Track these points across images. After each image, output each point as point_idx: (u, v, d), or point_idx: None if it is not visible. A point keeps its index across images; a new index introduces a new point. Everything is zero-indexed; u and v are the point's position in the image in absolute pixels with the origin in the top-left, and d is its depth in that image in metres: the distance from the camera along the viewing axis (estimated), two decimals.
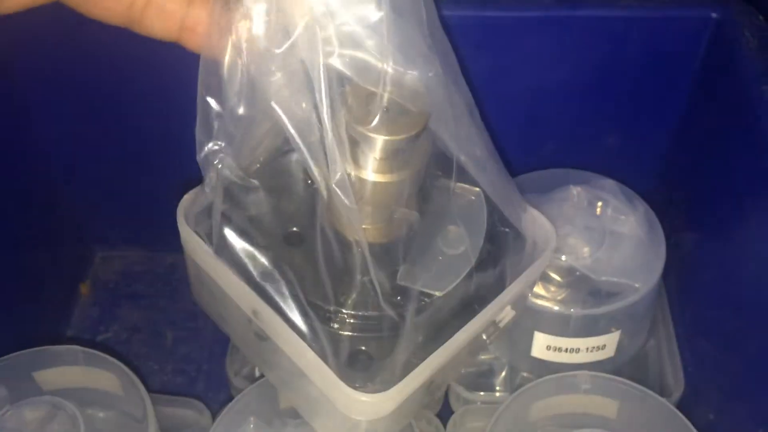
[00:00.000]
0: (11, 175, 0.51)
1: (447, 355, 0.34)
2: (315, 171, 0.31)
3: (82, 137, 0.55)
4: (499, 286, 0.37)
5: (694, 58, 0.47)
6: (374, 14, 0.29)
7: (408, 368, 0.33)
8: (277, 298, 0.34)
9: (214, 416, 0.46)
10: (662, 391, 0.46)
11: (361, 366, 0.34)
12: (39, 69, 0.49)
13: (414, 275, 0.35)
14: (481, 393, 0.47)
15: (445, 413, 0.48)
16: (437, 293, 0.34)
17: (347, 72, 0.30)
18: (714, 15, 0.46)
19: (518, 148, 0.52)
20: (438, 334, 0.35)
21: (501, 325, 0.39)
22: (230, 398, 0.49)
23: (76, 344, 0.42)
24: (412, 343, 0.34)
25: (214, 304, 0.39)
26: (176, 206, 0.37)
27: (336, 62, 0.30)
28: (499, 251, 0.37)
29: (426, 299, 0.34)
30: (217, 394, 0.54)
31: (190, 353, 0.56)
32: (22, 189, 0.53)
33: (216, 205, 0.34)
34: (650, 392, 0.41)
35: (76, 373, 0.42)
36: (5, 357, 0.41)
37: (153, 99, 0.50)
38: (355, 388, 0.32)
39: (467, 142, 0.35)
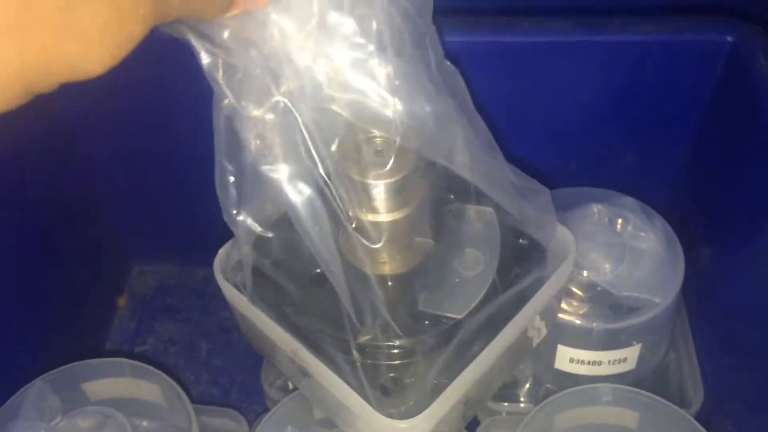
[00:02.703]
0: (54, 194, 0.53)
1: (477, 373, 0.36)
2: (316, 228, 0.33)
3: (121, 158, 0.57)
4: (523, 299, 0.38)
5: (710, 80, 0.48)
6: (375, 60, 0.30)
7: (439, 389, 0.35)
8: (311, 337, 0.36)
9: (249, 425, 0.48)
10: (682, 403, 0.48)
11: (394, 392, 0.35)
12: (82, 93, 0.52)
13: (435, 301, 0.36)
14: (506, 404, 0.49)
15: (471, 424, 0.50)
16: (457, 316, 0.36)
17: (344, 114, 0.31)
18: (729, 39, 0.47)
19: (540, 167, 0.53)
20: (466, 353, 0.36)
21: (534, 339, 0.41)
22: (264, 409, 0.51)
23: (115, 356, 0.45)
24: (441, 366, 0.35)
25: (262, 343, 0.41)
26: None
27: (331, 106, 0.31)
28: (520, 266, 0.39)
29: (449, 322, 0.36)
30: (250, 405, 0.56)
31: (224, 365, 0.58)
32: (64, 208, 0.55)
33: (246, 259, 0.37)
34: (670, 404, 0.42)
35: (123, 384, 0.44)
36: (56, 369, 0.43)
37: (189, 122, 0.52)
38: (390, 415, 0.34)
39: (480, 166, 0.36)
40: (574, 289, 0.46)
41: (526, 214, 0.39)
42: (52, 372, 0.43)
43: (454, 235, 0.38)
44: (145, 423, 0.44)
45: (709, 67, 0.48)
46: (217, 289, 0.63)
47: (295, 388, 0.48)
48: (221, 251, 0.40)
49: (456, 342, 0.36)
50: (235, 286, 0.39)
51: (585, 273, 0.46)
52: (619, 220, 0.48)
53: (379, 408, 0.34)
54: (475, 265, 0.38)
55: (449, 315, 0.36)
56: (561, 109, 0.51)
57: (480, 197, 0.38)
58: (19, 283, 0.50)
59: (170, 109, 0.52)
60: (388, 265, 0.37)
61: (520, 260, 0.39)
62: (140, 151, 0.56)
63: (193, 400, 0.50)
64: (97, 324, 0.61)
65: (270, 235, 0.37)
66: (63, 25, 0.19)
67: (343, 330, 0.35)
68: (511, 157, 0.54)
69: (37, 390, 0.41)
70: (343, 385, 0.35)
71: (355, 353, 0.35)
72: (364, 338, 0.35)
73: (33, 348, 0.50)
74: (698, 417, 0.47)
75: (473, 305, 0.36)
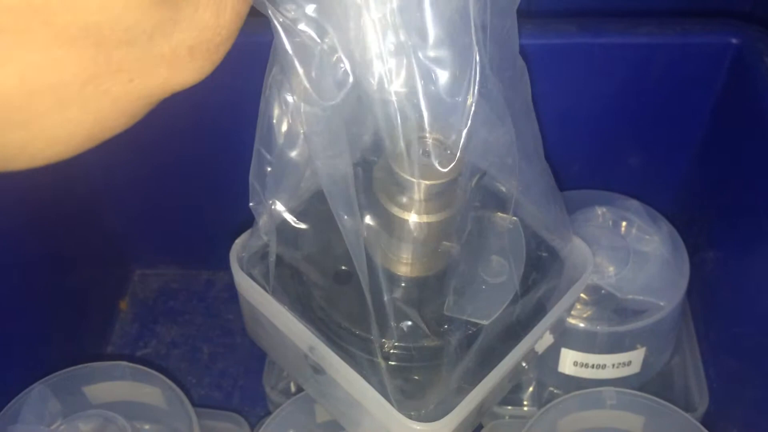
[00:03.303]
0: (55, 196, 0.53)
1: (496, 380, 0.36)
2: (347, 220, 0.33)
3: (123, 160, 0.57)
4: (541, 309, 0.38)
5: (715, 82, 0.48)
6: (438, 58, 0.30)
7: (459, 394, 0.35)
8: (332, 334, 0.36)
9: (251, 429, 0.48)
10: (687, 407, 0.47)
11: (415, 394, 0.35)
12: None
13: (460, 306, 0.36)
14: (510, 407, 0.49)
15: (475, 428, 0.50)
16: (483, 322, 0.36)
17: (399, 109, 0.30)
18: (734, 41, 0.47)
19: None
20: (485, 359, 0.36)
21: (539, 350, 0.41)
22: (266, 412, 0.51)
23: (117, 359, 0.44)
24: (461, 370, 0.35)
25: (269, 340, 0.41)
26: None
27: (392, 99, 0.30)
28: (540, 276, 0.39)
29: (473, 328, 0.36)
30: (252, 408, 0.55)
31: (227, 368, 0.58)
32: (65, 210, 0.55)
33: (272, 248, 0.36)
34: (675, 408, 0.42)
35: (124, 387, 0.44)
36: (57, 373, 0.43)
37: (191, 125, 0.52)
38: (410, 417, 0.34)
39: (525, 172, 0.36)
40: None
41: (549, 222, 0.39)
42: (52, 375, 0.43)
43: (481, 241, 0.38)
44: (146, 426, 0.44)
45: (714, 70, 0.48)
46: (220, 292, 0.64)
47: (298, 391, 0.47)
48: (238, 241, 0.39)
49: (478, 348, 0.36)
50: (250, 275, 0.38)
51: None
52: (624, 223, 0.48)
53: (400, 409, 0.34)
54: (500, 273, 0.37)
55: (475, 320, 0.36)
56: (566, 112, 0.50)
57: (504, 203, 0.37)
58: (20, 287, 0.49)
59: (173, 111, 0.52)
60: (416, 267, 0.37)
61: (541, 270, 0.39)
62: (142, 153, 0.56)
63: (195, 404, 0.50)
64: (99, 327, 0.61)
65: (297, 227, 0.37)
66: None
67: (366, 329, 0.35)
68: None
69: (38, 394, 0.41)
70: (364, 383, 0.35)
71: (378, 353, 0.35)
72: (388, 339, 0.35)
73: (34, 351, 0.50)
74: (703, 421, 0.47)
75: (498, 312, 0.36)
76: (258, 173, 0.34)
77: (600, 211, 0.48)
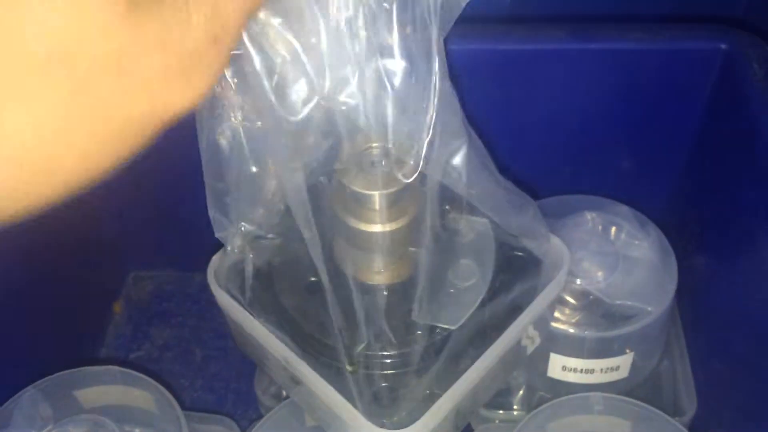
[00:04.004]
0: None
1: (469, 384, 0.36)
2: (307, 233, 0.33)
3: None
4: (516, 310, 0.39)
5: (704, 88, 0.48)
6: (382, 68, 0.30)
7: (431, 399, 0.35)
8: (304, 344, 0.36)
9: None
10: (676, 411, 0.48)
11: (386, 402, 0.35)
12: None
13: (428, 311, 0.36)
14: (500, 411, 0.49)
15: (464, 430, 0.50)
16: (451, 327, 0.36)
17: (346, 121, 0.31)
18: (723, 47, 0.47)
19: (536, 174, 0.53)
20: (459, 363, 0.36)
21: (527, 348, 0.41)
22: (258, 415, 0.51)
23: (110, 362, 0.45)
24: (432, 375, 0.36)
25: (253, 352, 0.41)
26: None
27: (338, 110, 0.31)
28: (514, 276, 0.39)
29: (442, 333, 0.36)
30: (245, 412, 0.56)
31: (219, 371, 0.58)
32: (59, 213, 0.55)
33: (247, 265, 0.37)
34: (660, 413, 0.42)
35: (115, 391, 0.44)
36: (48, 377, 0.43)
37: (186, 127, 0.52)
38: (382, 425, 0.34)
39: (474, 177, 0.36)
40: (567, 298, 0.46)
41: (518, 227, 0.39)
42: (44, 379, 0.43)
43: (449, 245, 0.38)
44: (137, 430, 0.44)
45: (704, 75, 0.48)
46: (213, 295, 0.64)
47: (288, 395, 0.48)
48: (215, 258, 0.40)
49: (449, 352, 0.36)
50: (228, 292, 0.39)
51: (578, 281, 0.46)
52: (613, 228, 0.48)
53: (370, 417, 0.34)
54: (469, 276, 0.38)
55: (443, 325, 0.36)
56: (556, 117, 0.51)
57: (474, 208, 0.38)
58: (13, 289, 0.50)
59: None
60: (383, 275, 0.37)
61: (515, 271, 0.39)
62: (136, 156, 0.56)
63: (188, 407, 0.50)
64: (93, 330, 0.61)
65: (269, 242, 0.37)
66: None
67: (335, 338, 0.35)
68: (506, 165, 0.54)
69: (29, 398, 0.41)
70: (334, 393, 0.35)
71: (347, 362, 0.35)
72: (357, 347, 0.36)
73: (27, 354, 0.50)
74: (692, 425, 0.47)
75: (467, 316, 0.36)
76: (216, 205, 0.35)
77: (589, 216, 0.48)
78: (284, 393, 0.50)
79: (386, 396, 0.36)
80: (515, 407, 0.50)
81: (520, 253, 0.40)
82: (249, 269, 0.37)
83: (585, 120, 0.51)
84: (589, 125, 0.51)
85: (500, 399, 0.50)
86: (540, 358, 0.46)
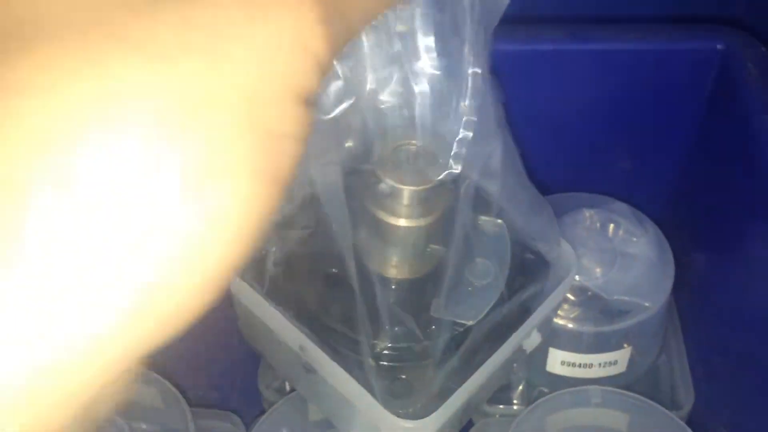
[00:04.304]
0: None
1: (482, 380, 0.37)
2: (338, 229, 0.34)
3: None
4: (526, 311, 0.39)
5: (701, 88, 0.49)
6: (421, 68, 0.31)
7: (445, 393, 0.36)
8: (323, 334, 0.37)
9: (247, 428, 0.49)
10: (674, 405, 0.48)
11: (402, 394, 0.36)
12: None
13: (446, 307, 0.37)
14: (501, 406, 0.50)
15: (465, 425, 0.51)
16: (469, 323, 0.37)
17: (385, 118, 0.32)
18: (719, 47, 0.48)
19: (535, 174, 0.54)
20: (471, 359, 0.37)
21: (527, 349, 0.42)
22: (262, 411, 0.51)
23: None
24: (447, 369, 0.36)
25: (263, 342, 0.42)
26: None
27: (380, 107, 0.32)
28: (525, 278, 0.39)
29: (459, 328, 0.37)
30: (250, 407, 0.56)
31: (224, 368, 0.59)
32: None
33: (269, 251, 0.37)
34: (658, 406, 0.43)
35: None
36: None
37: None
38: (398, 415, 0.35)
39: (505, 178, 0.37)
40: (566, 294, 0.47)
41: (535, 230, 0.40)
42: None
43: (466, 244, 0.39)
44: (143, 426, 0.45)
45: (700, 75, 0.49)
46: None
47: (292, 390, 0.48)
48: None
49: (464, 348, 0.37)
50: (243, 279, 0.39)
51: (577, 277, 0.47)
52: (611, 225, 0.49)
53: (387, 407, 0.35)
54: (485, 275, 0.38)
55: (461, 321, 0.37)
56: (555, 118, 0.51)
57: (501, 209, 0.38)
58: None
59: None
60: (404, 270, 0.38)
61: (526, 272, 0.40)
62: None
63: (192, 404, 0.51)
64: None
65: (291, 231, 0.38)
66: None
67: (356, 330, 0.36)
68: None
69: None
70: (353, 382, 0.36)
71: (367, 354, 0.36)
72: (379, 340, 0.36)
73: None
74: (689, 418, 0.48)
75: (485, 313, 0.37)
76: None
77: (588, 213, 0.49)
78: (288, 387, 0.51)
79: (403, 388, 0.36)
80: (515, 402, 0.50)
81: (531, 256, 0.40)
82: (271, 259, 0.38)
83: (584, 120, 0.51)
84: (588, 125, 0.52)
85: (500, 394, 0.50)
86: (539, 354, 0.47)
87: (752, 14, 0.55)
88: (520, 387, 0.50)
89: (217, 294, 0.16)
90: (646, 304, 0.46)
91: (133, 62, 0.15)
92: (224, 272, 0.16)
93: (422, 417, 0.35)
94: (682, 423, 0.42)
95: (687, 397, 0.48)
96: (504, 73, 0.49)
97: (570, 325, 0.45)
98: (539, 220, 0.40)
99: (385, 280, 0.37)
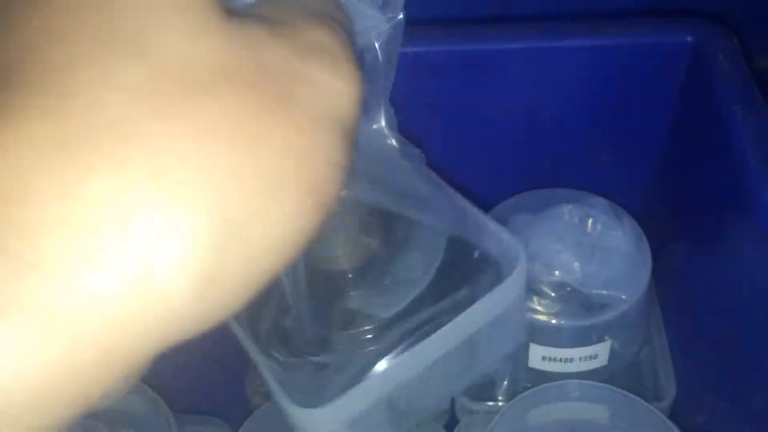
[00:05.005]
0: None
1: (396, 376, 0.35)
2: None
3: None
4: (457, 308, 0.37)
5: (674, 81, 0.49)
6: None
7: (361, 386, 0.34)
8: (257, 332, 0.37)
9: None
10: (656, 396, 0.49)
11: (310, 387, 0.35)
12: None
13: (366, 299, 0.36)
14: (489, 403, 0.50)
15: (450, 423, 0.51)
16: (385, 315, 0.36)
17: None
18: (690, 39, 0.48)
19: (513, 170, 0.55)
20: (388, 353, 0.36)
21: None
22: (249, 415, 0.52)
23: None
24: (364, 364, 0.35)
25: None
26: None
27: None
28: (462, 274, 0.38)
29: (376, 322, 0.36)
30: (236, 412, 0.56)
31: (210, 373, 0.59)
32: None
33: None
34: (638, 398, 0.43)
35: None
36: None
37: None
38: (301, 404, 0.34)
39: (409, 186, 0.37)
40: (545, 289, 0.47)
41: (470, 228, 0.39)
42: None
43: (399, 240, 0.38)
44: None
45: (672, 69, 0.49)
46: None
47: None
48: None
49: (381, 343, 0.36)
50: None
51: (556, 273, 0.47)
52: (589, 220, 0.49)
53: (295, 399, 0.34)
54: (412, 269, 0.38)
55: (377, 315, 0.36)
56: (531, 115, 0.52)
57: (423, 208, 0.38)
58: None
59: None
60: (329, 261, 0.37)
61: (469, 271, 0.38)
62: None
63: (178, 408, 0.51)
64: None
65: None
66: None
67: (279, 322, 0.36)
68: (483, 162, 0.55)
69: None
70: (266, 372, 0.36)
71: (283, 342, 0.36)
72: (296, 330, 0.36)
73: None
74: (672, 408, 0.48)
75: (402, 307, 0.36)
76: None
77: (566, 208, 0.49)
78: None
79: (313, 380, 0.36)
80: (500, 399, 0.51)
81: (475, 254, 0.38)
82: None
83: (559, 116, 0.52)
84: (564, 121, 0.52)
85: (485, 391, 0.51)
86: (521, 349, 0.47)
87: (723, 5, 0.55)
88: (505, 383, 0.51)
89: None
90: (624, 297, 0.46)
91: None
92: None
93: (324, 405, 0.33)
94: (662, 415, 0.43)
95: (669, 388, 0.49)
96: (477, 72, 0.50)
97: (549, 320, 0.46)
98: (465, 219, 0.39)
99: (309, 271, 0.36)
